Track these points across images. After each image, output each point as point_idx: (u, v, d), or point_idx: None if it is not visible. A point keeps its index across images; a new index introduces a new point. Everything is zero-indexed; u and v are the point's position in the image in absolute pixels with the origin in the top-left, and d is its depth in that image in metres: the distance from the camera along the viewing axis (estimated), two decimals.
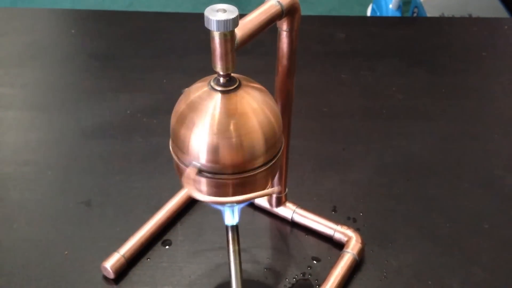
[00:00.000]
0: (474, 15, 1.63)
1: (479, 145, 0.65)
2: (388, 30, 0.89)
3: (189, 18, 0.91)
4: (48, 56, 0.82)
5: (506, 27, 0.90)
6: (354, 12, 2.09)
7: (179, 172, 0.39)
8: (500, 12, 1.66)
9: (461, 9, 1.66)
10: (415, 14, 1.83)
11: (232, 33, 0.34)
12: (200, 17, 0.34)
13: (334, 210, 0.56)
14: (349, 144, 0.65)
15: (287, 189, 0.54)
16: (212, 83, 0.37)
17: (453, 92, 0.74)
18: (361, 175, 0.61)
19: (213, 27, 0.33)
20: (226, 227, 0.42)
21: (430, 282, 0.49)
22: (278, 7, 0.38)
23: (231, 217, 0.42)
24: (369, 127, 0.68)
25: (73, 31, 0.89)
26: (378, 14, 1.88)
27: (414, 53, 0.82)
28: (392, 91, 0.74)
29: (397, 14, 1.83)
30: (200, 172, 0.37)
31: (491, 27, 0.91)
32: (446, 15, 1.67)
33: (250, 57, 0.76)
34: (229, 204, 0.40)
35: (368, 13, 2.02)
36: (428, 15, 1.68)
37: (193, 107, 0.37)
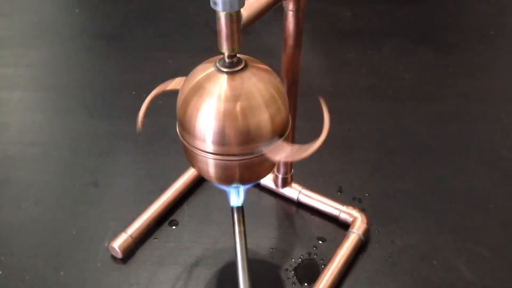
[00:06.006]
0: None
1: (486, 125, 0.64)
2: (395, 8, 0.88)
3: None
4: (53, 36, 0.82)
5: None
6: None
7: (186, 153, 0.39)
8: None
9: None
10: None
11: (238, 13, 0.34)
12: None
13: (340, 190, 0.56)
14: (355, 125, 0.65)
15: (293, 170, 0.54)
16: (218, 64, 0.37)
17: (460, 71, 0.73)
18: (366, 155, 0.61)
19: (219, 7, 0.33)
20: (232, 208, 0.42)
21: (435, 262, 0.49)
22: None
23: (236, 199, 0.42)
24: (375, 107, 0.68)
25: (77, 10, 0.89)
26: None
27: (421, 32, 0.82)
28: (399, 71, 0.73)
29: None
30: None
31: (500, 5, 0.89)
32: None
33: (256, 37, 0.75)
34: (234, 185, 0.40)
35: None
36: None
37: (199, 89, 0.36)
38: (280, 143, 0.38)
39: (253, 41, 0.74)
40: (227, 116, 0.36)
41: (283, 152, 0.37)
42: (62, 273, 0.48)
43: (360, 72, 0.74)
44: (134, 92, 0.69)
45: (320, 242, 0.51)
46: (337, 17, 0.85)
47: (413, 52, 0.77)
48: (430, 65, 0.75)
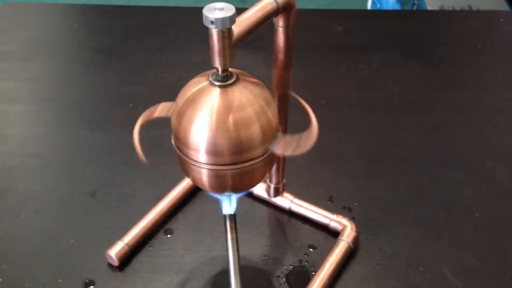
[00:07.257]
0: (474, 8, 1.63)
1: (472, 136, 0.66)
2: (386, 23, 0.90)
3: (191, 12, 0.92)
4: (52, 50, 0.84)
5: (502, 19, 0.91)
6: (355, 5, 2.09)
7: (181, 163, 0.41)
8: (500, 4, 1.66)
9: (461, 1, 1.67)
10: (415, 7, 1.84)
11: (230, 30, 0.36)
12: (201, 11, 0.36)
13: (330, 200, 0.58)
14: (346, 136, 0.67)
15: (284, 180, 0.55)
16: (211, 78, 0.38)
17: (448, 85, 0.75)
18: (357, 166, 0.62)
19: (211, 24, 0.35)
20: (224, 216, 0.44)
21: (421, 269, 0.50)
22: (274, 5, 0.40)
23: (228, 207, 0.43)
24: (366, 119, 0.69)
25: (76, 25, 0.91)
26: (378, 6, 1.89)
27: (411, 46, 0.84)
28: (388, 84, 0.75)
29: (397, 7, 1.84)
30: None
31: (487, 19, 0.92)
32: (446, 7, 1.67)
33: (250, 51, 0.77)
34: (227, 194, 0.42)
35: (369, 6, 2.02)
36: (429, 7, 1.69)
37: (193, 101, 0.38)
38: (284, 138, 0.40)
39: (247, 54, 0.76)
40: (220, 127, 0.37)
41: (289, 146, 0.40)
42: (60, 280, 0.50)
43: (351, 85, 0.76)
44: (131, 105, 0.71)
45: (311, 249, 0.52)
46: (329, 31, 0.87)
47: (402, 65, 0.79)
48: (419, 78, 0.77)
